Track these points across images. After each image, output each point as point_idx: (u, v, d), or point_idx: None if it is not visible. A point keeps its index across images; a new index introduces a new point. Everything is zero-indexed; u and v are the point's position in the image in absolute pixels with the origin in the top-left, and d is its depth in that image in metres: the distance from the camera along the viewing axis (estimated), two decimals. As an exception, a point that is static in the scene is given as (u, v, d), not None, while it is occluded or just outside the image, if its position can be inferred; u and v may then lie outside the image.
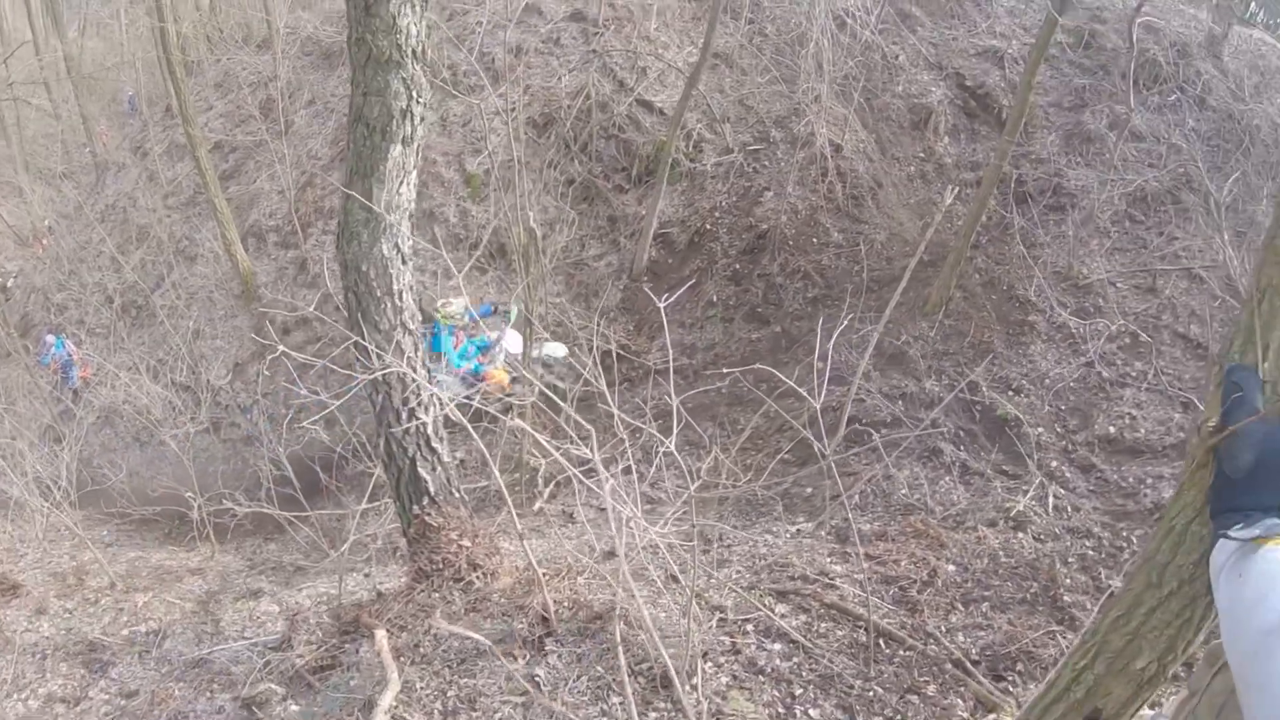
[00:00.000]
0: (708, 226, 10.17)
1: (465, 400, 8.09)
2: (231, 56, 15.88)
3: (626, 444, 3.41)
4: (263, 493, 7.43)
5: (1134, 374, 7.80)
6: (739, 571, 4.85)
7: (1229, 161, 9.96)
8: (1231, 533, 1.07)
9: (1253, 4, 12.62)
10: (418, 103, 3.84)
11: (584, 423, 3.73)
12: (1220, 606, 1.05)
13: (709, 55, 9.81)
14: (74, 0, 17.37)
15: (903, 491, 6.31)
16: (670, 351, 8.50)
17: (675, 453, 3.04)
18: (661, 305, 3.59)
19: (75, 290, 13.64)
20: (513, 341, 9.02)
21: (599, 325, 9.62)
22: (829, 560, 5.06)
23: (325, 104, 13.21)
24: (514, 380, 8.67)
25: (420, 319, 4.28)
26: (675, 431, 3.15)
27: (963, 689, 3.50)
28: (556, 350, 9.26)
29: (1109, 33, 11.12)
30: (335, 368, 4.33)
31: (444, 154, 11.27)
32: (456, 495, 4.42)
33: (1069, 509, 6.10)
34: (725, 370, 6.97)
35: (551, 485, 7.41)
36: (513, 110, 10.31)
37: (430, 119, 11.48)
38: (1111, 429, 7.11)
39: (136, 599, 6.47)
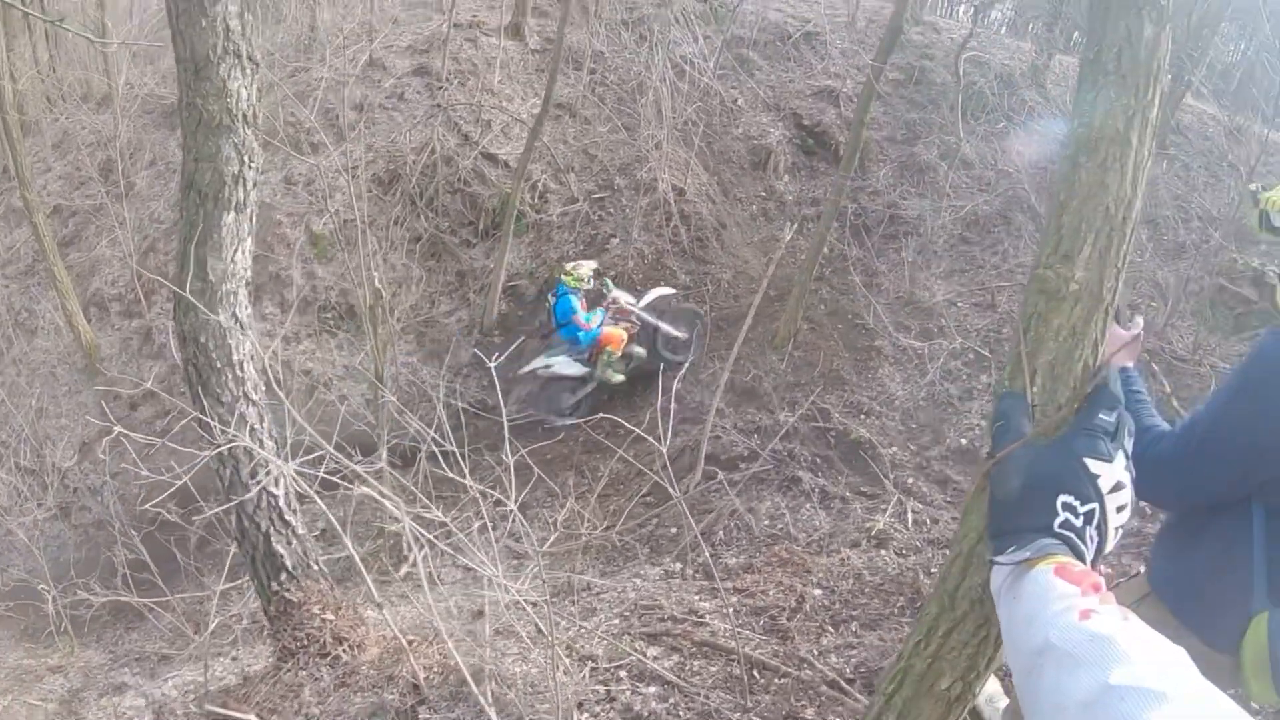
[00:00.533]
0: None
1: (584, 370, 8.88)
2: (70, 115, 15.31)
3: (480, 504, 3.40)
4: (119, 579, 7.13)
5: (979, 387, 8.15)
6: (608, 619, 4.84)
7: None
8: (1001, 557, 1.11)
9: (1075, 33, 13.39)
10: (250, 168, 3.81)
11: (460, 474, 3.69)
12: (1001, 627, 1.09)
13: (551, 106, 9.92)
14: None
15: (765, 522, 6.37)
16: (504, 410, 8.45)
17: (519, 513, 3.07)
18: (491, 365, 3.60)
19: None
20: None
21: (449, 382, 9.59)
22: (697, 598, 5.10)
23: (167, 164, 12.85)
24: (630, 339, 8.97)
25: (264, 389, 4.19)
26: (520, 490, 3.19)
27: (840, 708, 3.56)
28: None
29: (937, 68, 11.68)
30: (176, 446, 4.18)
31: (289, 214, 11.08)
32: (316, 568, 4.33)
33: (928, 522, 6.27)
34: (571, 422, 6.99)
35: (422, 549, 7.30)
36: (356, 168, 10.22)
37: (273, 179, 11.31)
38: (963, 440, 7.42)
39: (-16, 711, 6.09)
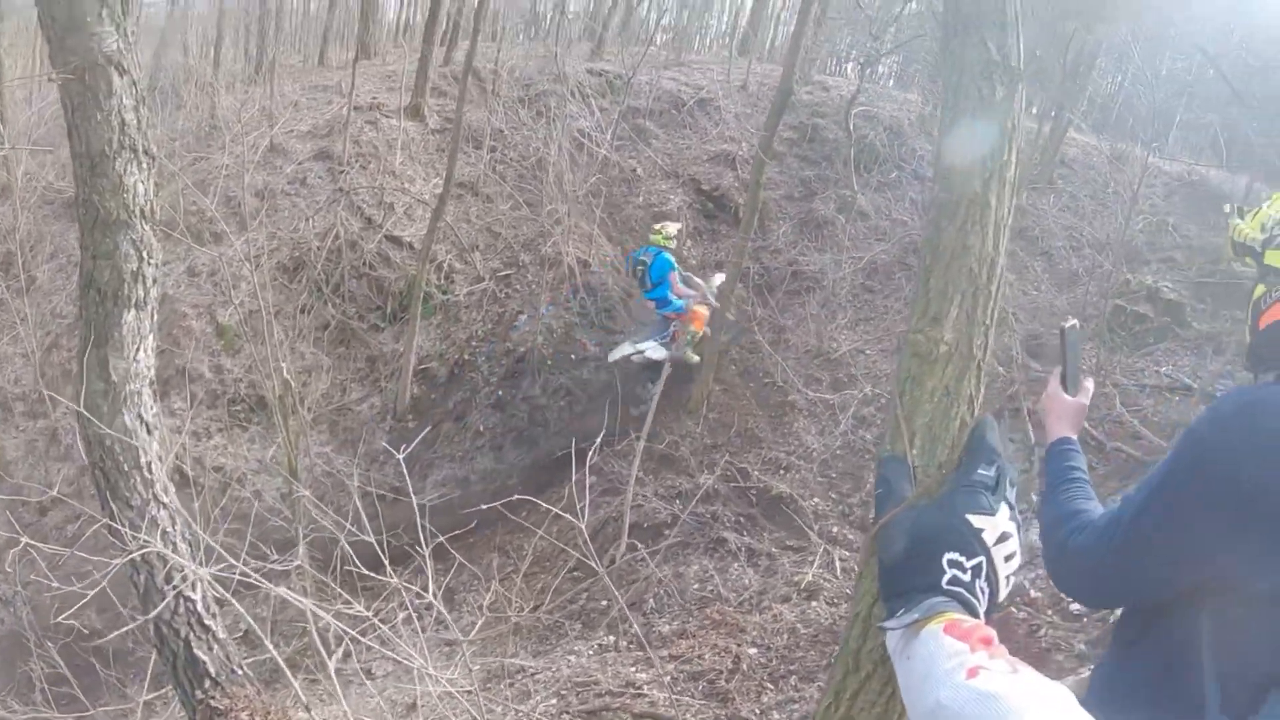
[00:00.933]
0: (466, 357, 10.35)
1: (667, 354, 8.80)
2: (-35, 208, 15.06)
3: (404, 594, 3.42)
4: (37, 694, 6.97)
5: (894, 430, 8.41)
6: (545, 700, 4.87)
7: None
8: (891, 622, 1.11)
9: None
10: (149, 264, 3.77)
11: (381, 565, 3.70)
12: (900, 688, 1.09)
13: (452, 186, 10.08)
14: None
15: (695, 586, 6.47)
16: (413, 500, 8.48)
17: (442, 602, 3.10)
18: (400, 456, 3.66)
19: None
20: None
21: (364, 471, 9.59)
22: (634, 669, 5.15)
23: (69, 257, 12.68)
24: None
25: (173, 490, 4.12)
26: (443, 577, 3.19)
27: (785, 763, 3.62)
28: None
29: (829, 125, 12.16)
30: (85, 555, 4.14)
31: (193, 306, 11.01)
32: (240, 673, 4.24)
33: (855, 569, 6.47)
34: (485, 506, 7.03)
35: (342, 645, 7.27)
36: (259, 256, 10.23)
37: (176, 270, 11.24)
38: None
39: None
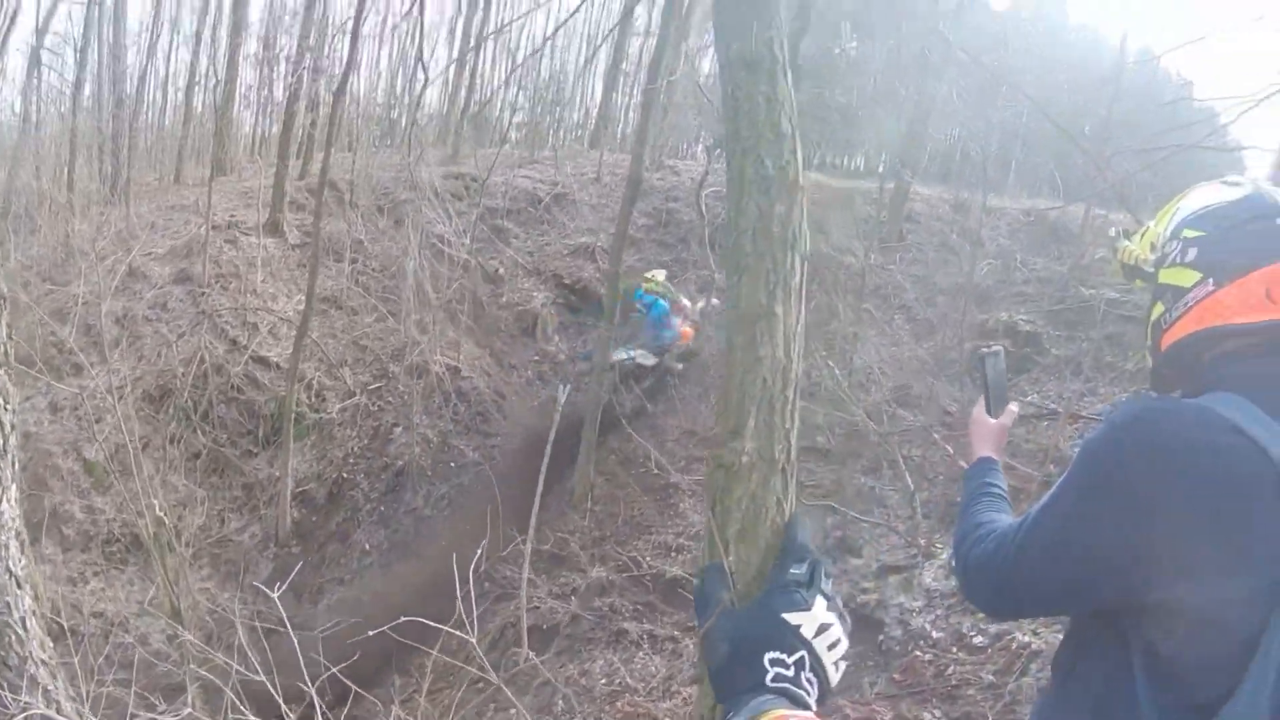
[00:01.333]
0: (345, 475, 10.45)
1: (656, 360, 10.69)
2: None
3: None
4: None
5: (775, 496, 8.82)
6: None
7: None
8: None
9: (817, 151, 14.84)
10: (6, 410, 3.64)
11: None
12: None
13: (315, 302, 10.22)
14: None
15: (602, 682, 6.57)
16: (294, 638, 8.55)
17: None
18: (274, 595, 3.67)
19: None
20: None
21: (250, 603, 9.57)
22: None
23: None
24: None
25: (51, 645, 3.97)
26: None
27: None
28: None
29: (683, 208, 12.71)
30: None
31: (58, 443, 10.83)
32: None
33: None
34: (371, 632, 7.09)
35: None
36: (123, 387, 10.18)
37: (38, 406, 11.02)
38: (773, 550, 8.00)
39: None
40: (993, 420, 1.86)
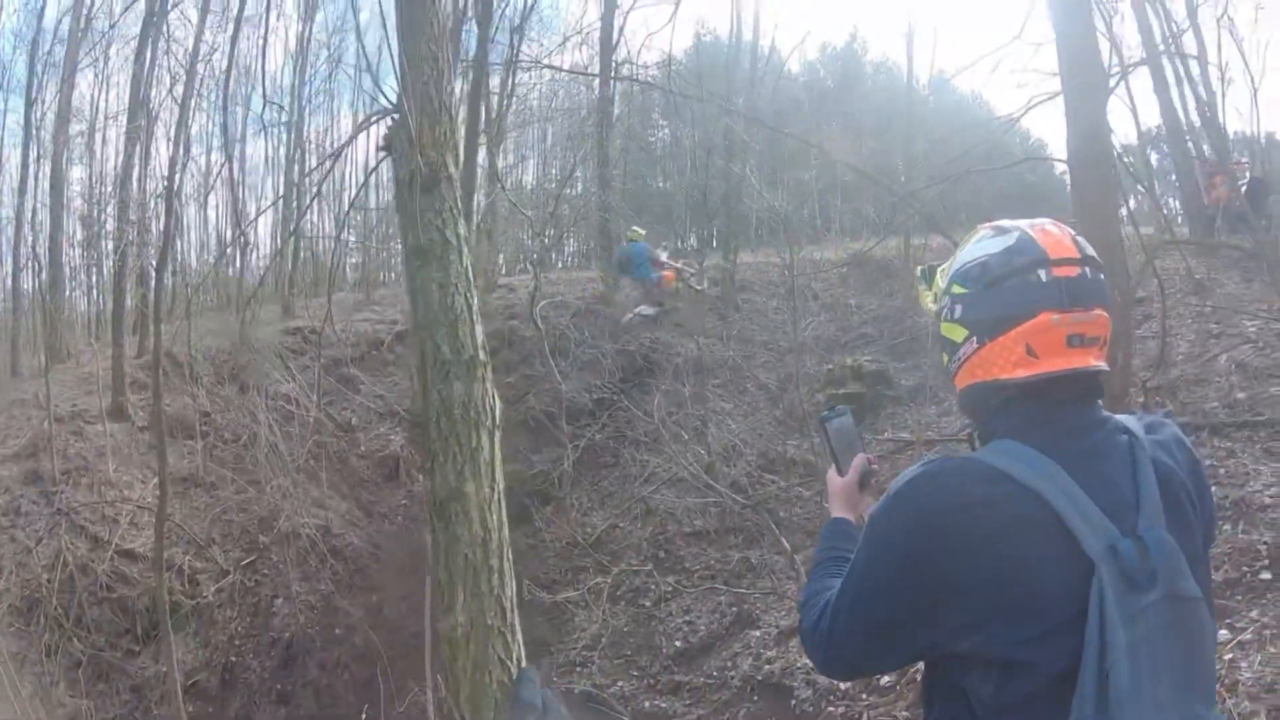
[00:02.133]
0: (233, 658, 10.50)
1: (656, 310, 14.03)
2: None
3: None
4: None
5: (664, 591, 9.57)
6: None
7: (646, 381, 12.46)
8: None
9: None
10: None
11: None
12: None
13: (169, 484, 10.31)
14: None
15: None
16: None
17: None
18: None
19: None
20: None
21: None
22: None
23: None
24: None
25: None
26: None
27: None
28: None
29: (523, 324, 13.30)
30: None
31: None
32: None
33: None
34: None
35: None
36: None
37: None
38: (678, 644, 8.72)
39: None
40: (841, 479, 1.89)
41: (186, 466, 11.85)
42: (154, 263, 12.66)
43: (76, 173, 16.88)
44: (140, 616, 10.95)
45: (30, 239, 18.62)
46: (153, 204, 13.50)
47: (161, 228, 12.91)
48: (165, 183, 12.59)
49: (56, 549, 11.20)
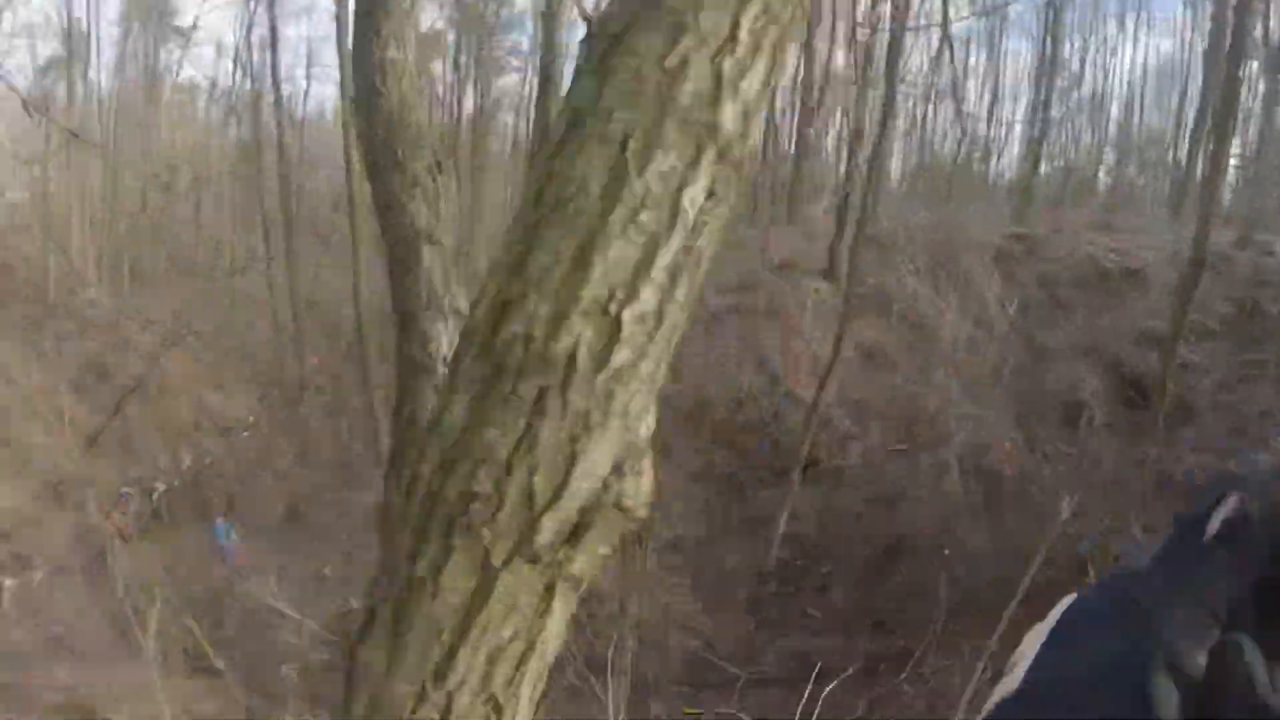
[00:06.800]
0: (841, 529, 10.72)
1: None
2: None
3: None
4: None
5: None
6: None
7: None
8: None
9: None
10: None
11: None
12: None
13: (848, 349, 10.67)
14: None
15: None
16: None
17: None
18: None
19: (254, 487, 16.18)
20: None
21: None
22: None
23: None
24: None
25: None
26: None
27: None
28: None
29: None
30: None
31: None
32: None
33: None
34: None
35: None
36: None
37: None
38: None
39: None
40: None
41: (870, 338, 12.08)
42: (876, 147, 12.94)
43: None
44: (781, 457, 11.58)
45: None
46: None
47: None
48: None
49: (738, 375, 12.44)
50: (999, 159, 20.97)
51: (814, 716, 7.48)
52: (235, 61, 24.77)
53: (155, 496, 17.75)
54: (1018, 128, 19.43)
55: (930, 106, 20.01)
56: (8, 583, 13.07)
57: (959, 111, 14.83)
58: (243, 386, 21.32)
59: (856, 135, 13.23)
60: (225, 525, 14.50)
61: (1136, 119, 21.05)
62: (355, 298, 13.34)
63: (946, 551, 10.00)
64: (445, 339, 4.16)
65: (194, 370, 22.33)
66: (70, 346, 22.82)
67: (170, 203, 30.63)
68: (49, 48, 24.15)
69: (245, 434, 19.06)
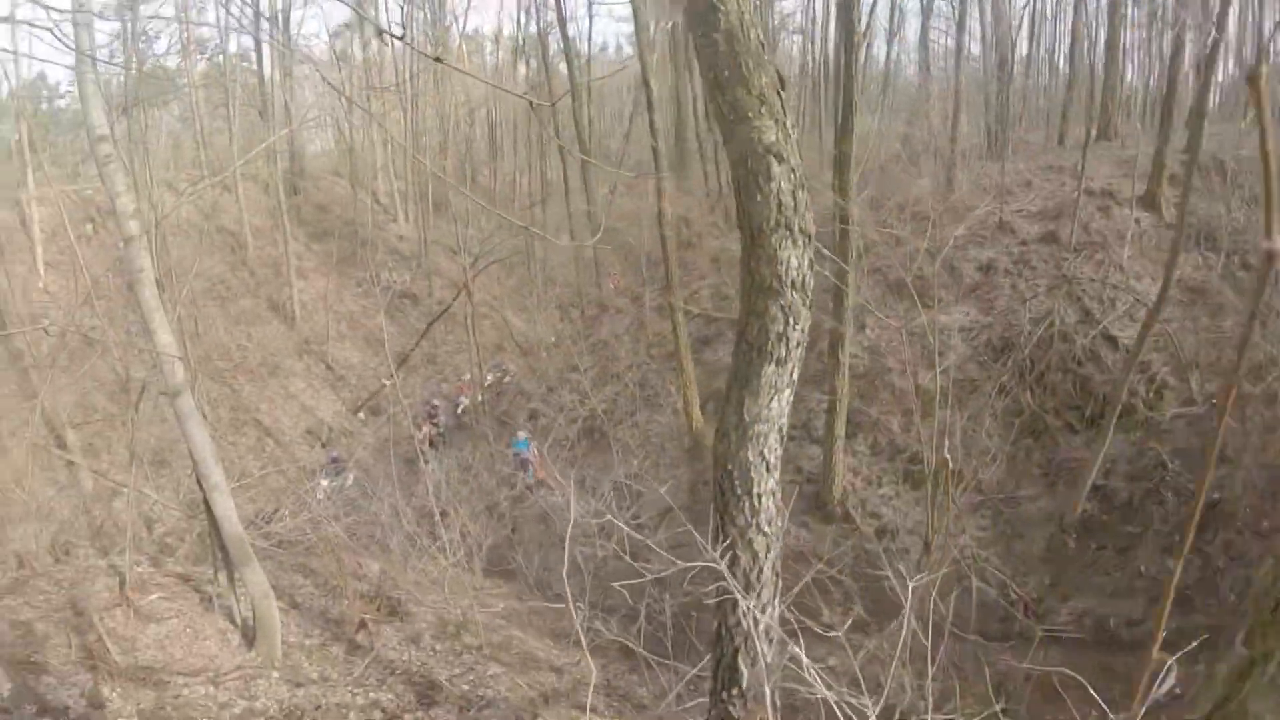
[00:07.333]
0: (1153, 487, 10.03)
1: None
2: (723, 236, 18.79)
3: None
4: (636, 628, 8.08)
5: None
6: None
7: None
8: None
9: None
10: (794, 329, 4.19)
11: None
12: None
13: (1171, 289, 9.83)
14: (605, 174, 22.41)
15: None
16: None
17: None
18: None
19: (551, 403, 16.93)
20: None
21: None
22: None
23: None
24: None
25: (779, 523, 4.54)
26: None
27: None
28: None
29: None
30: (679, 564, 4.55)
31: (899, 363, 12.12)
32: (770, 696, 4.44)
33: None
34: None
35: None
36: (972, 330, 11.07)
37: (892, 326, 12.61)
38: None
39: (492, 668, 7.64)
40: None
41: (1194, 276, 11.07)
42: (1206, 54, 11.54)
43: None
44: (1094, 401, 10.93)
45: (1084, 12, 19.09)
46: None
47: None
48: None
49: (1048, 309, 11.73)
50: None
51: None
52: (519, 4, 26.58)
53: (460, 410, 19.56)
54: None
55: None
56: (324, 484, 14.98)
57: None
58: (544, 309, 22.87)
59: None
60: (526, 438, 15.39)
61: None
62: (660, 220, 13.45)
63: (1266, 523, 9.14)
64: (795, 261, 4.13)
65: (497, 293, 24.26)
66: (383, 276, 25.51)
67: (468, 142, 33.21)
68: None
69: (545, 354, 20.42)
